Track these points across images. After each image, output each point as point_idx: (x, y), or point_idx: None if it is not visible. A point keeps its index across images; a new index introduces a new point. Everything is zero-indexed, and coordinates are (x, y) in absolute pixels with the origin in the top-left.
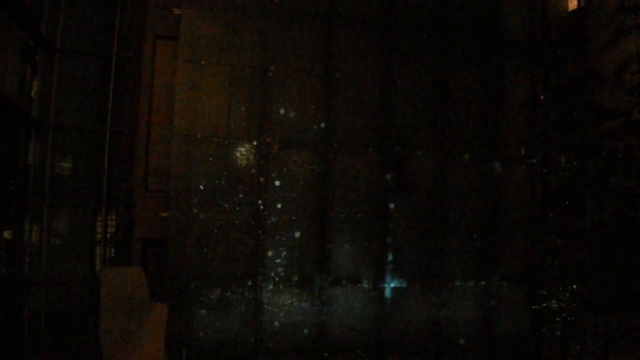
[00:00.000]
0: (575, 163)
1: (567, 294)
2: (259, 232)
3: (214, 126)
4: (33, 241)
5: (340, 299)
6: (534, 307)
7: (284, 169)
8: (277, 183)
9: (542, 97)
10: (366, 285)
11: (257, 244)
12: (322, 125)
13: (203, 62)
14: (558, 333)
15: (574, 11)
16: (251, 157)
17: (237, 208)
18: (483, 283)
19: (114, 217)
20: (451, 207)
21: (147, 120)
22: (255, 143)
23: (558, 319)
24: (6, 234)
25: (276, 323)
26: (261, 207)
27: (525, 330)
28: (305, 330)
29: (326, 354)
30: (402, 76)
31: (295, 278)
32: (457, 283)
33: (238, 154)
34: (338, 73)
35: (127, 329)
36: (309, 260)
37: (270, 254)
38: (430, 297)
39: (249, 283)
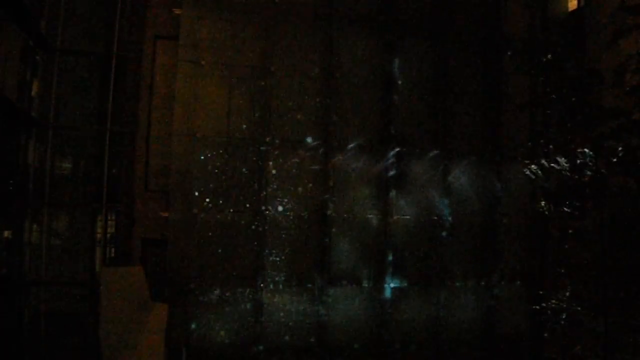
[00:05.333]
0: (575, 163)
1: (567, 294)
2: (259, 231)
3: (214, 126)
4: (33, 241)
5: (340, 299)
6: (534, 307)
7: (284, 169)
8: (277, 182)
9: (542, 97)
10: (366, 285)
11: (257, 244)
12: (322, 125)
13: (203, 62)
14: (558, 333)
15: (574, 11)
16: (251, 157)
17: (237, 208)
18: (483, 283)
19: (114, 217)
20: (451, 206)
21: (147, 120)
22: (255, 143)
23: (558, 319)
24: (6, 234)
25: (276, 323)
26: (261, 207)
27: (525, 330)
28: (305, 330)
29: (326, 354)
30: (403, 76)
31: (296, 278)
32: (457, 283)
33: (238, 154)
34: (338, 73)
35: (127, 329)
36: (309, 260)
37: (270, 254)
38: (430, 297)
39: (249, 283)
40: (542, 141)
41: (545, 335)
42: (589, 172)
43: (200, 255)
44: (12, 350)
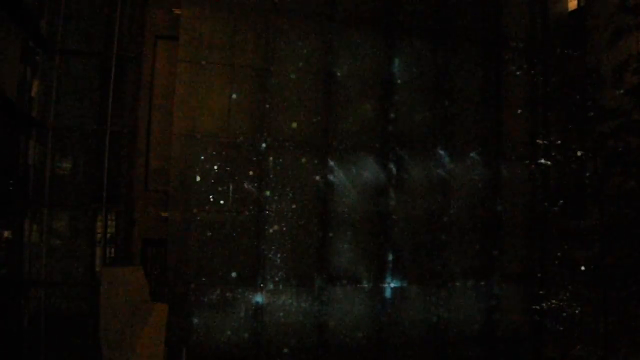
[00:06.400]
0: (575, 163)
1: (567, 294)
2: (259, 232)
3: (214, 126)
4: (33, 241)
5: (340, 299)
6: (534, 307)
7: (284, 169)
8: (277, 183)
9: (542, 97)
10: (366, 285)
11: (257, 244)
12: (323, 124)
13: (203, 62)
14: (558, 333)
15: (574, 11)
16: (251, 157)
17: (237, 208)
18: (483, 283)
19: (114, 217)
20: (451, 207)
21: (147, 120)
22: (255, 143)
23: (558, 319)
24: (6, 234)
25: (276, 323)
26: (261, 207)
27: (525, 330)
28: (305, 330)
29: (326, 354)
30: (403, 76)
31: (295, 278)
32: (457, 283)
33: (238, 154)
34: (338, 73)
35: (127, 329)
36: (309, 260)
37: (270, 254)
38: (430, 297)
39: (249, 283)
40: (542, 141)
41: (545, 335)
42: (589, 172)
43: (200, 255)
44: (12, 350)
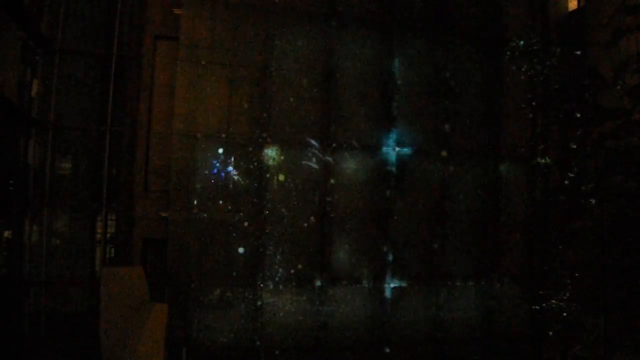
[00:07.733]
0: (575, 163)
1: (567, 294)
2: (259, 232)
3: (213, 126)
4: (33, 241)
5: (340, 299)
6: (534, 307)
7: (284, 169)
8: (277, 183)
9: (542, 97)
10: (366, 285)
11: (257, 243)
12: (322, 124)
13: (203, 62)
14: (558, 333)
15: (574, 11)
16: (251, 157)
17: (237, 208)
18: (483, 283)
19: (114, 217)
20: (451, 206)
21: (147, 120)
22: (255, 143)
23: (558, 319)
24: (6, 234)
25: (276, 323)
26: (261, 207)
27: (525, 330)
28: (306, 330)
29: (326, 354)
30: (403, 76)
31: (295, 278)
32: (457, 283)
33: (238, 154)
34: (338, 73)
35: (127, 329)
36: (309, 260)
37: (270, 253)
38: (430, 297)
39: (249, 283)
40: (542, 141)
41: (545, 335)
42: (589, 172)
43: (200, 255)
44: (12, 350)
